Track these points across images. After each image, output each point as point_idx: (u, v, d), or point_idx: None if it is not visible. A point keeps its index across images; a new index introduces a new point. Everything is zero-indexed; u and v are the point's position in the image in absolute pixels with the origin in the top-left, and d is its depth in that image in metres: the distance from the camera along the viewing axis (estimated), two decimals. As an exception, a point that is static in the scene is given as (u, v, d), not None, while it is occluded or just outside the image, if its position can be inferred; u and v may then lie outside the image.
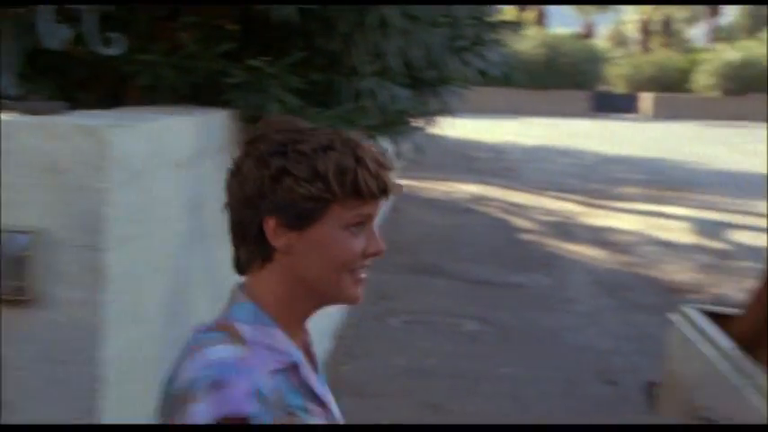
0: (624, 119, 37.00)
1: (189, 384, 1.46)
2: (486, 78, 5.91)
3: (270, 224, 1.58)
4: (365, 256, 1.61)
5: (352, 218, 1.58)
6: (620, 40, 56.86)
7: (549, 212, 13.90)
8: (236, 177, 1.60)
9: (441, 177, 16.95)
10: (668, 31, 52.63)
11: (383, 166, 1.59)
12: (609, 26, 57.77)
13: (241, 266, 1.64)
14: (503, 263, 10.18)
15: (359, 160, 1.56)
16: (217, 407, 1.43)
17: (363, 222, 1.60)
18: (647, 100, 40.08)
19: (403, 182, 14.55)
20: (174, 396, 1.49)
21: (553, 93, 38.94)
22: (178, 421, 1.46)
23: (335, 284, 1.60)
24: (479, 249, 10.89)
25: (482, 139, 24.85)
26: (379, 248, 1.61)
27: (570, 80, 39.13)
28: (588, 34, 50.43)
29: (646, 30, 52.64)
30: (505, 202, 14.72)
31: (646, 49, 50.64)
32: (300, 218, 1.57)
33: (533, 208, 14.29)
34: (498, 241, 11.51)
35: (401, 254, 9.81)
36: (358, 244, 1.60)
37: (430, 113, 5.46)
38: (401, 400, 5.81)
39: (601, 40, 52.94)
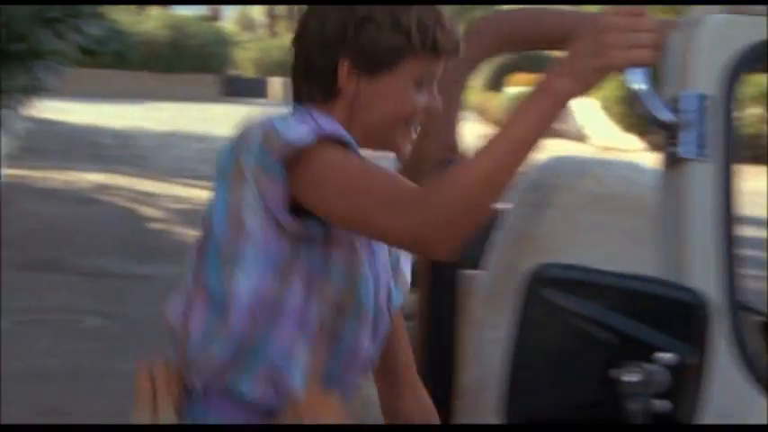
0: (255, 103, 37.27)
1: (278, 123, 1.59)
2: (100, 59, 5.49)
3: (344, 66, 1.67)
4: (425, 111, 1.70)
5: (422, 73, 1.69)
6: (247, 23, 57.27)
7: (180, 200, 13.58)
8: (316, 17, 1.68)
9: (60, 166, 16.04)
10: (294, 16, 53.67)
11: (454, 25, 1.70)
12: (236, 9, 58.01)
13: (298, 97, 1.72)
14: (129, 254, 9.80)
15: (438, 17, 1.68)
16: (316, 128, 1.55)
17: (430, 79, 1.70)
18: (276, 84, 40.61)
19: (11, 171, 13.64)
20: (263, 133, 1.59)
21: (181, 76, 38.37)
22: (265, 143, 1.57)
23: (391, 134, 1.69)
24: (103, 241, 10.41)
25: (107, 125, 23.93)
26: (438, 106, 1.72)
27: (198, 63, 38.76)
28: (215, 17, 50.29)
29: (272, 14, 53.39)
30: (133, 191, 14.21)
31: (273, 33, 51.37)
32: (376, 64, 1.66)
33: (163, 196, 13.91)
34: (125, 232, 11.07)
35: (11, 249, 9.16)
36: (421, 99, 1.70)
37: (22, 90, 4.98)
38: (16, 406, 5.35)
39: (228, 23, 53.01)
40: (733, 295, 1.45)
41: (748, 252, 1.64)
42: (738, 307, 1.46)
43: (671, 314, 1.29)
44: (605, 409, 1.27)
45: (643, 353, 1.27)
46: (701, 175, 1.50)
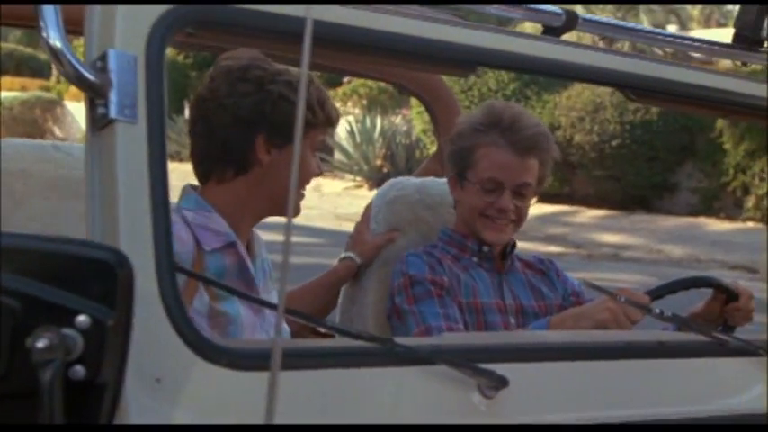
0: None
1: None
2: None
3: (260, 141, 1.96)
4: (317, 175, 2.08)
5: (318, 141, 2.03)
6: None
7: None
8: (223, 100, 1.94)
9: None
10: None
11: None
12: None
13: (205, 176, 1.99)
14: None
15: (326, 95, 2.02)
16: None
17: (320, 145, 2.06)
18: None
19: None
20: None
21: None
22: None
23: (296, 197, 1.97)
24: None
25: None
26: (320, 170, 2.11)
27: None
28: None
29: None
30: None
31: None
32: (286, 137, 1.95)
33: None
34: None
35: None
36: (315, 164, 2.06)
37: None
38: None
39: None
40: (166, 258, 1.41)
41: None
42: (172, 270, 1.41)
43: (88, 275, 1.21)
44: (18, 381, 1.16)
45: (60, 317, 1.18)
46: (130, 137, 1.44)
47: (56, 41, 1.40)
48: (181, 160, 22.38)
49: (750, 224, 15.55)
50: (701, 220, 16.33)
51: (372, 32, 1.70)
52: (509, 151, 2.40)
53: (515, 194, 2.41)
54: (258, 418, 1.15)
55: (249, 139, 1.95)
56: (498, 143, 2.40)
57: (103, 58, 1.44)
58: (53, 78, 28.43)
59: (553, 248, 13.28)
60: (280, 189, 1.97)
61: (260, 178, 1.97)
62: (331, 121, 2.03)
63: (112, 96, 1.44)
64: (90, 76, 1.43)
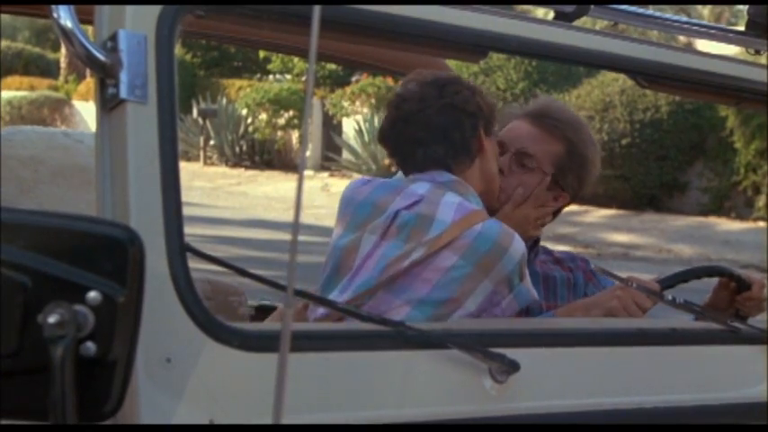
0: None
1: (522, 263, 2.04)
2: None
3: (481, 129, 2.14)
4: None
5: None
6: None
7: None
8: (444, 101, 2.10)
9: None
10: None
11: None
12: None
13: (447, 165, 2.12)
14: None
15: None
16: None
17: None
18: None
19: None
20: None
21: None
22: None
23: (498, 181, 2.25)
24: None
25: None
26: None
27: None
28: None
29: None
30: None
31: None
32: (492, 124, 2.18)
33: None
34: None
35: None
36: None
37: None
38: None
39: None
40: (176, 238, 1.40)
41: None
42: (182, 250, 1.41)
43: (99, 252, 1.20)
44: (29, 357, 1.16)
45: (71, 293, 1.18)
46: (140, 117, 1.44)
47: (66, 21, 1.40)
48: (188, 159, 22.36)
49: (761, 224, 15.50)
50: (712, 219, 16.29)
51: (382, 16, 1.69)
52: (523, 119, 2.40)
53: (517, 163, 2.35)
54: (268, 400, 1.15)
55: (476, 128, 2.11)
56: (520, 117, 2.41)
57: (114, 38, 1.44)
58: (61, 78, 28.51)
59: (563, 248, 13.24)
60: (491, 174, 2.17)
61: (482, 165, 2.14)
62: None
63: (123, 76, 1.43)
64: (100, 56, 1.43)
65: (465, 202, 2.04)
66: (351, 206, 2.10)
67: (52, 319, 1.15)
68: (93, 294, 1.17)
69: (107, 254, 1.20)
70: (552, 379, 1.72)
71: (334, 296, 1.99)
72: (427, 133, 2.12)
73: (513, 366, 1.61)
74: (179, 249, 1.40)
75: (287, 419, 1.13)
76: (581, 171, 2.41)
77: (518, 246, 1.99)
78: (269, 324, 1.87)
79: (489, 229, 1.98)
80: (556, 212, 2.43)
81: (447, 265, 1.95)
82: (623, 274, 2.19)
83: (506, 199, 2.31)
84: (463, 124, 2.12)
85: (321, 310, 1.99)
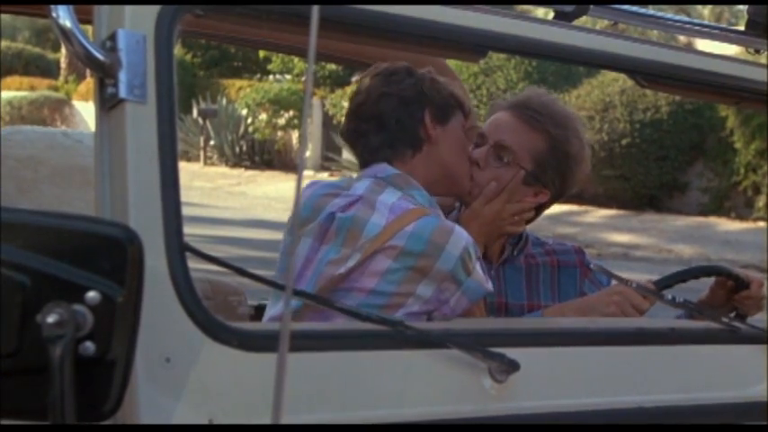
0: None
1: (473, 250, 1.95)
2: None
3: (428, 117, 2.06)
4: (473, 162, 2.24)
5: (464, 129, 2.16)
6: None
7: None
8: (383, 90, 2.06)
9: None
10: None
11: None
12: None
13: (386, 157, 2.05)
14: None
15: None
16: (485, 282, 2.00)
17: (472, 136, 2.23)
18: None
19: None
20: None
21: None
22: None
23: (466, 172, 2.17)
24: None
25: None
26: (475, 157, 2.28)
27: None
28: None
29: None
30: None
31: None
32: (447, 114, 2.09)
33: None
34: None
35: None
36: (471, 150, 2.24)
37: None
38: None
39: None
40: (175, 237, 1.40)
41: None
42: (182, 249, 1.41)
43: (97, 251, 1.20)
44: (28, 356, 1.16)
45: (70, 293, 1.17)
46: (139, 116, 1.43)
47: (66, 21, 1.40)
48: (188, 159, 22.34)
49: (761, 224, 15.50)
50: (712, 219, 16.29)
51: (381, 15, 1.69)
52: (506, 110, 2.33)
53: (494, 156, 2.27)
54: (267, 399, 1.15)
55: (419, 116, 2.05)
56: (504, 108, 2.35)
57: (113, 37, 1.44)
58: (61, 78, 28.50)
59: (562, 247, 13.25)
60: (447, 164, 2.08)
61: (431, 155, 2.06)
62: (472, 110, 2.18)
63: (122, 76, 1.43)
64: (99, 56, 1.42)
65: (401, 201, 1.96)
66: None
67: (51, 319, 1.14)
68: (92, 294, 1.17)
69: (106, 253, 1.20)
70: (552, 378, 1.72)
71: (279, 307, 1.97)
72: (367, 124, 2.07)
73: (512, 366, 1.61)
74: (178, 249, 1.40)
75: (286, 419, 1.13)
76: (563, 168, 2.31)
77: (457, 241, 1.90)
78: (268, 323, 1.87)
79: (422, 229, 1.90)
80: (538, 209, 2.34)
81: (382, 269, 1.89)
82: (623, 275, 2.18)
83: (479, 193, 2.23)
84: (401, 112, 2.05)
85: (274, 311, 1.99)
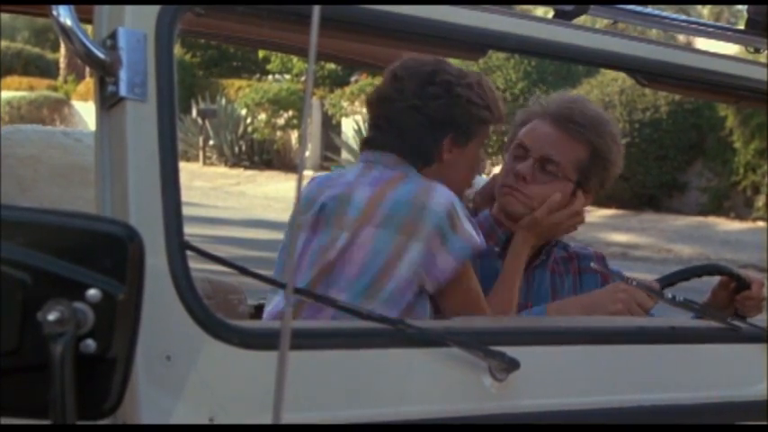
0: None
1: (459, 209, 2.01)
2: None
3: (448, 141, 2.08)
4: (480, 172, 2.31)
5: (486, 139, 2.16)
6: None
7: None
8: (412, 101, 2.05)
9: None
10: None
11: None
12: None
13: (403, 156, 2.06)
14: None
15: (497, 93, 2.15)
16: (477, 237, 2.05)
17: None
18: None
19: None
20: None
21: None
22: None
23: (466, 188, 2.23)
24: None
25: None
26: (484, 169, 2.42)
27: None
28: None
29: None
30: None
31: None
32: (470, 136, 2.10)
33: None
34: None
35: None
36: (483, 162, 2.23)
37: None
38: None
39: None
40: (176, 236, 1.40)
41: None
42: (182, 247, 1.41)
43: (98, 249, 1.20)
44: (29, 354, 1.16)
45: (71, 291, 1.17)
46: (140, 114, 1.43)
47: (66, 20, 1.40)
48: (188, 159, 22.33)
49: (760, 223, 15.50)
50: (711, 219, 16.28)
51: (381, 14, 1.69)
52: (547, 122, 2.34)
53: (540, 169, 2.30)
54: (268, 398, 1.15)
55: (438, 140, 2.06)
56: (543, 117, 2.36)
57: (113, 36, 1.44)
58: (60, 78, 28.49)
59: (562, 247, 13.24)
60: (451, 182, 2.07)
61: (439, 172, 2.07)
62: (503, 118, 2.14)
63: (122, 74, 1.43)
64: (100, 54, 1.42)
65: (384, 174, 2.00)
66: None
67: (52, 317, 1.14)
68: (92, 292, 1.17)
69: (107, 251, 1.20)
70: (552, 377, 1.72)
71: (278, 301, 2.00)
72: (386, 125, 2.09)
73: (512, 364, 1.61)
74: (178, 247, 1.40)
75: (287, 417, 1.13)
76: (603, 173, 2.37)
77: (440, 198, 1.95)
78: (269, 322, 1.87)
79: (404, 194, 1.95)
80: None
81: (370, 241, 1.93)
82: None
83: (532, 206, 2.26)
84: (423, 133, 2.06)
85: (272, 306, 2.00)
